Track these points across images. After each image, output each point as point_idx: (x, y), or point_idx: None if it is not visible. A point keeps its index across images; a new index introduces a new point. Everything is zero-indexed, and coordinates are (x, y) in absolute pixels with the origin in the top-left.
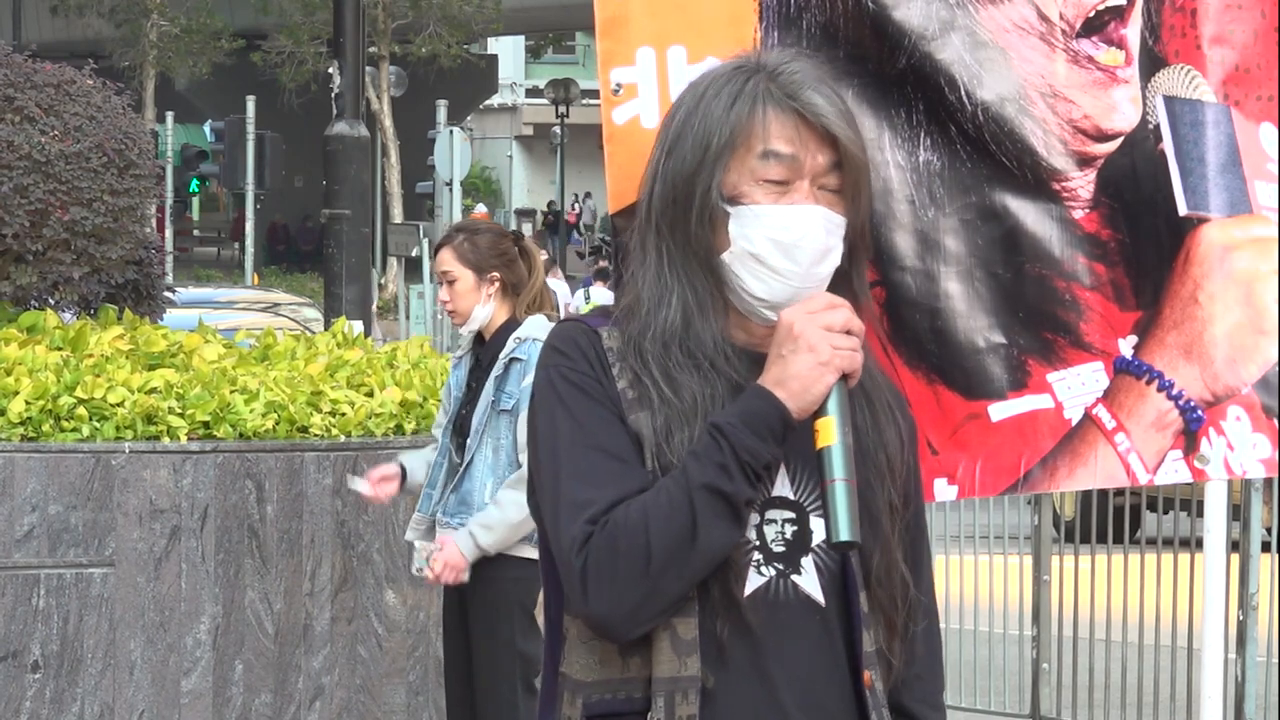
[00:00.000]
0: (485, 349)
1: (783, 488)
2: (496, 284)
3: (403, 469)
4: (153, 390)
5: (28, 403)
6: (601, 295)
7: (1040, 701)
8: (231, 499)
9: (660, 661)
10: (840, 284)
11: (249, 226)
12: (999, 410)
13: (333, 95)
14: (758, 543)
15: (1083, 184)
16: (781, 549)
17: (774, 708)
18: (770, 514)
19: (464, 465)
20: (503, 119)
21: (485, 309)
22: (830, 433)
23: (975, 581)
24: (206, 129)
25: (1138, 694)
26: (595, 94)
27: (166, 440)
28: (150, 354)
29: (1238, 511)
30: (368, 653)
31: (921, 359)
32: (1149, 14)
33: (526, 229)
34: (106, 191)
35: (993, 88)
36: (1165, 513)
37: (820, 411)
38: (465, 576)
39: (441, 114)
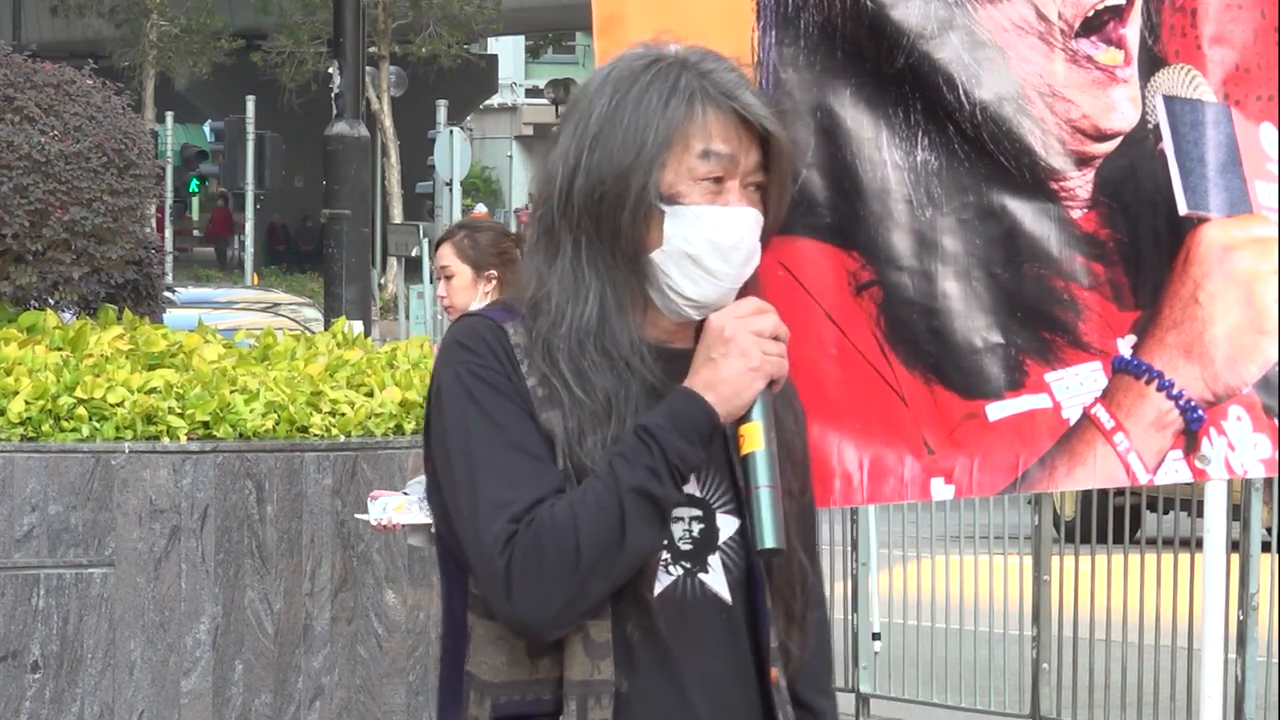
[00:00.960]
0: None
1: (690, 485)
2: (494, 282)
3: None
4: (153, 390)
5: (27, 403)
6: None
7: (1040, 701)
8: (231, 499)
9: (573, 664)
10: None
11: (249, 226)
12: (996, 410)
13: (333, 95)
14: (665, 541)
15: (1081, 184)
16: (689, 547)
17: (685, 710)
18: (677, 512)
19: None
20: (503, 119)
21: (480, 306)
22: (756, 438)
23: (975, 581)
24: (206, 129)
25: (1138, 694)
26: None
27: (166, 440)
28: (150, 354)
29: (1238, 511)
30: (368, 653)
31: (919, 359)
32: (1148, 13)
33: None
34: (106, 191)
35: (991, 87)
36: (1165, 513)
37: (744, 416)
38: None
39: (441, 114)
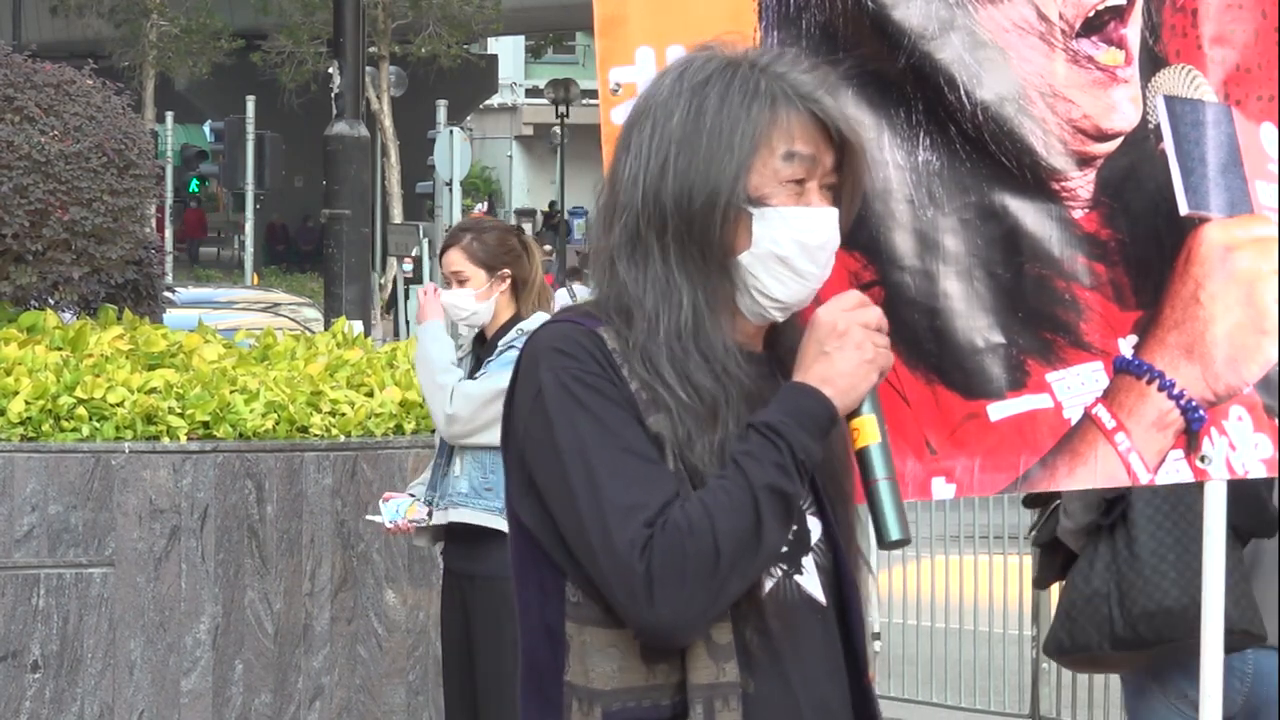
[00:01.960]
0: (486, 348)
1: None
2: (507, 280)
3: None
4: (153, 390)
5: (27, 403)
6: (585, 293)
7: (1040, 701)
8: (231, 499)
9: (696, 667)
10: None
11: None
12: (998, 410)
13: (333, 95)
14: None
15: (1082, 184)
16: (785, 549)
17: (794, 711)
18: None
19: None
20: (503, 119)
21: (487, 306)
22: (872, 431)
23: (975, 581)
24: (206, 129)
25: None
26: (595, 94)
27: (166, 440)
28: (150, 354)
29: None
30: (368, 653)
31: (920, 359)
32: (1149, 14)
33: (527, 229)
34: (106, 191)
35: (992, 87)
36: None
37: (854, 411)
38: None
39: (441, 114)
